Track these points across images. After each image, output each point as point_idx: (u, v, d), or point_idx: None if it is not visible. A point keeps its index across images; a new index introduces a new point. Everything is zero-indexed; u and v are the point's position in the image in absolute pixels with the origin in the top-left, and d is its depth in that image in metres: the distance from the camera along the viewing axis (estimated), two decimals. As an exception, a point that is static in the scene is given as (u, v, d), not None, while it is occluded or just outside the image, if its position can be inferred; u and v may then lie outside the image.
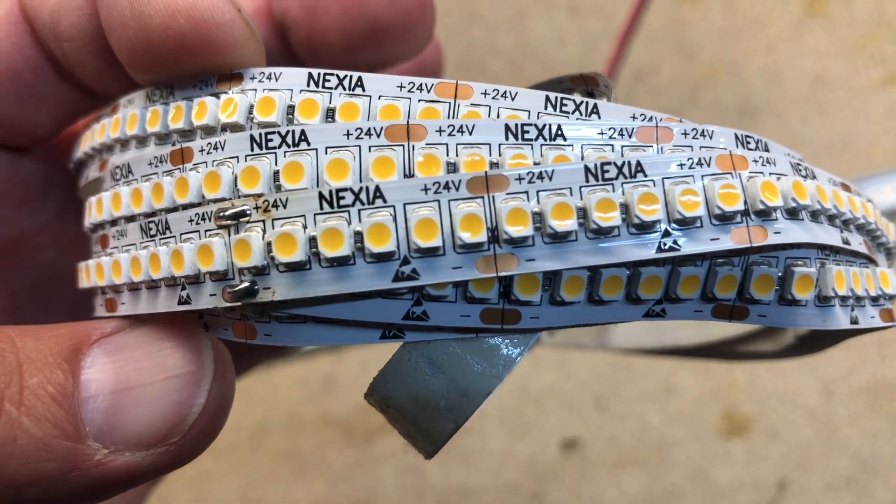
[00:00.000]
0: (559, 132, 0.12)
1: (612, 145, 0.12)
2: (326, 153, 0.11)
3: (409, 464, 0.41)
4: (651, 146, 0.12)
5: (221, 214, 0.11)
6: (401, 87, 0.12)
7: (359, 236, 0.11)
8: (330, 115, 0.12)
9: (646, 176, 0.11)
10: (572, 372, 0.43)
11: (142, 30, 0.12)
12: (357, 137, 0.12)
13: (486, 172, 0.11)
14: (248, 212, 0.11)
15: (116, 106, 0.14)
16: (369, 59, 0.17)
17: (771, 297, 0.12)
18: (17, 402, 0.11)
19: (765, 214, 0.11)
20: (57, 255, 0.17)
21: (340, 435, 0.42)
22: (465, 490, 0.41)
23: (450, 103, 0.12)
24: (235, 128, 0.12)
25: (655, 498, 0.41)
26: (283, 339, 0.12)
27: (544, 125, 0.12)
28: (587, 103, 0.12)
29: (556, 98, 0.12)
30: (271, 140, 0.12)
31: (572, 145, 0.12)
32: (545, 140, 0.12)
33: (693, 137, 0.12)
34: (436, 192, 0.11)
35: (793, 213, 0.12)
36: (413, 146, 0.11)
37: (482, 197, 0.11)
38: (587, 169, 0.11)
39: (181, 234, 0.12)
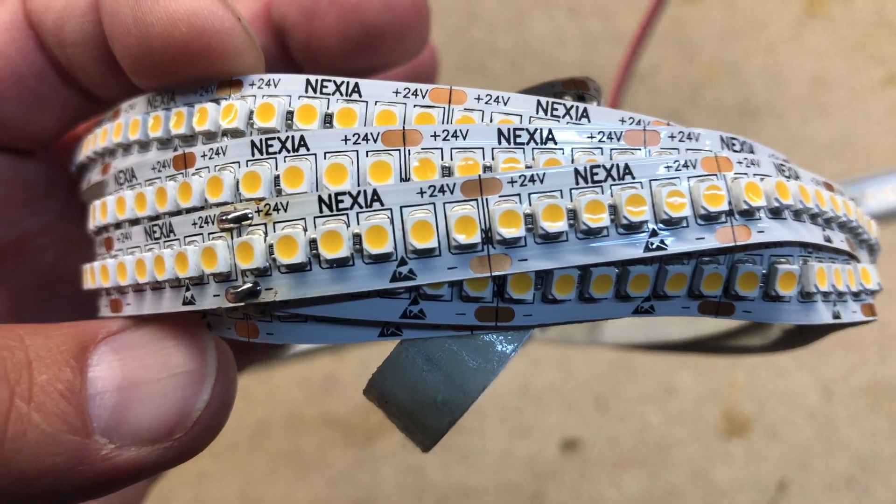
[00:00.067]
0: (550, 136, 0.12)
1: (602, 148, 0.12)
2: (325, 158, 0.12)
3: (409, 464, 0.42)
4: (639, 149, 0.12)
5: (224, 218, 0.12)
6: (396, 92, 0.12)
7: (357, 238, 0.11)
8: (328, 120, 0.12)
9: (634, 178, 0.12)
10: (572, 372, 0.43)
11: (144, 37, 0.12)
12: (355, 143, 0.12)
13: (479, 176, 0.11)
14: (250, 215, 0.12)
15: (118, 111, 0.14)
16: (366, 63, 0.17)
17: (756, 294, 0.12)
18: (27, 398, 0.11)
19: (749, 214, 0.12)
20: (58, 256, 0.18)
21: (340, 435, 0.42)
22: (465, 490, 0.41)
23: (444, 108, 0.12)
24: (236, 133, 0.12)
25: (655, 498, 0.41)
26: (284, 337, 0.13)
27: (536, 129, 0.12)
28: (577, 107, 0.12)
29: (548, 103, 0.12)
30: (272, 145, 0.12)
31: (563, 149, 0.12)
32: (536, 144, 0.12)
33: (679, 140, 0.12)
34: (431, 196, 0.11)
35: (776, 213, 0.12)
36: (409, 151, 0.12)
37: (476, 200, 0.11)
38: (577, 172, 0.12)
39: (185, 236, 0.12)
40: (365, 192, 0.11)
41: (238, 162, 0.12)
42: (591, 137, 0.12)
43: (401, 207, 0.11)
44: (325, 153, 0.12)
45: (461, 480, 0.42)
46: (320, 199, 0.11)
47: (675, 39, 0.51)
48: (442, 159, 0.12)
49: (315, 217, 0.11)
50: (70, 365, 0.12)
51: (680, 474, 0.43)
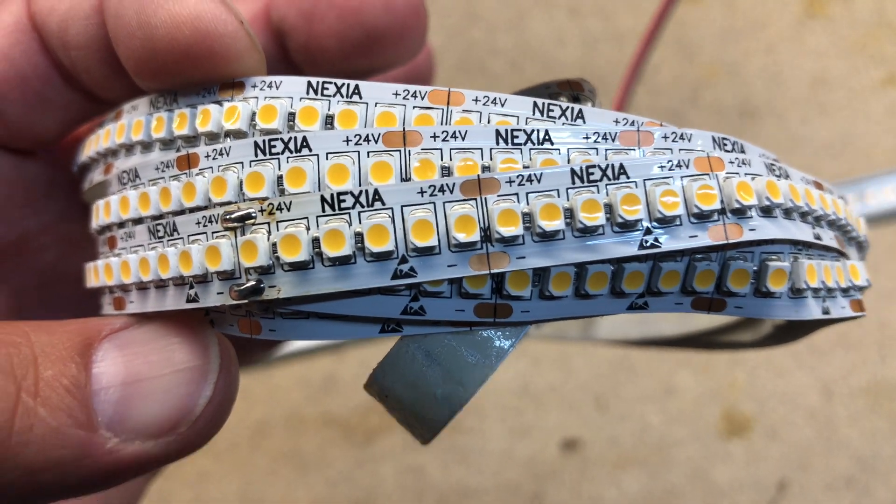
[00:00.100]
0: (546, 137, 0.12)
1: (597, 149, 0.12)
2: (327, 159, 0.12)
3: (409, 464, 0.42)
4: (633, 149, 0.12)
5: (228, 217, 0.12)
6: (396, 94, 0.13)
7: (359, 237, 0.11)
8: (329, 121, 0.13)
9: (628, 178, 0.12)
10: (572, 372, 0.43)
11: (148, 40, 0.13)
12: (356, 143, 0.12)
13: (478, 176, 0.12)
14: (253, 214, 0.12)
15: (120, 112, 0.14)
16: (364, 64, 0.17)
17: (747, 290, 0.13)
18: (34, 392, 0.11)
19: (740, 213, 0.12)
20: (58, 255, 0.18)
21: (340, 435, 0.42)
22: (465, 490, 0.41)
23: (443, 110, 0.12)
24: (239, 134, 0.13)
25: (655, 498, 0.41)
26: (287, 334, 0.13)
27: (532, 130, 0.12)
28: (573, 108, 0.13)
29: (544, 104, 0.13)
30: (275, 146, 0.12)
31: (559, 149, 0.12)
32: (533, 144, 0.12)
33: (672, 140, 0.12)
34: (431, 195, 0.12)
35: (767, 211, 0.12)
36: (409, 151, 0.12)
37: (475, 199, 0.12)
38: (573, 172, 0.12)
39: (189, 235, 0.12)
40: (366, 191, 0.12)
41: (241, 162, 0.12)
42: (587, 138, 0.12)
43: (402, 207, 0.12)
44: (328, 154, 0.12)
45: (461, 480, 0.42)
46: (323, 199, 0.12)
47: (675, 39, 0.50)
48: (441, 160, 0.12)
49: (318, 216, 0.12)
50: (75, 361, 0.12)
51: (680, 474, 0.43)
